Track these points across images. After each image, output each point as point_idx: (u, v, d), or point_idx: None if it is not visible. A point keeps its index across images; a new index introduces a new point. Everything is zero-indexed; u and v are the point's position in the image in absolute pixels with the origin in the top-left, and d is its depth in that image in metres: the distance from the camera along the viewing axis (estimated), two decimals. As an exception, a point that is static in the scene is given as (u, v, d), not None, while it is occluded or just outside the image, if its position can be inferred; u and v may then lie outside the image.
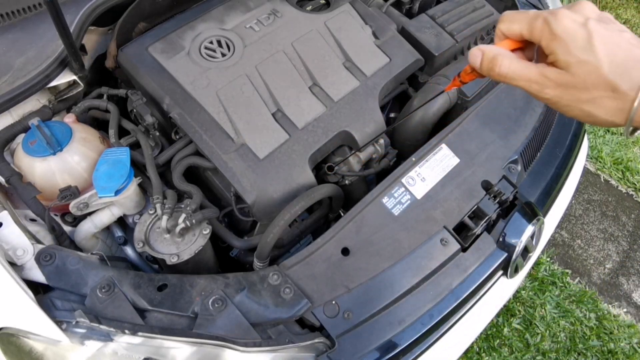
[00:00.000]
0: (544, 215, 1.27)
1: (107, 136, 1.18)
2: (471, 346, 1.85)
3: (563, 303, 2.06)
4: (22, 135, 1.10)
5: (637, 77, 0.46)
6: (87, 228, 1.09)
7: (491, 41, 1.56)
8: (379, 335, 0.98)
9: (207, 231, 1.08)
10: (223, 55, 1.25)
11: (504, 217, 1.18)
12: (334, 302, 0.98)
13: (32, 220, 1.05)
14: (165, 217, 1.05)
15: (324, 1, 1.51)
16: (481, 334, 1.22)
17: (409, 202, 1.12)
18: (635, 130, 0.49)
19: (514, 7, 1.57)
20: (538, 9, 1.60)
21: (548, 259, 2.19)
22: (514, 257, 1.15)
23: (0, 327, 0.83)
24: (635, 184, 2.52)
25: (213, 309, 0.93)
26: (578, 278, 2.18)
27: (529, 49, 0.59)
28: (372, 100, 1.28)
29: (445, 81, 1.35)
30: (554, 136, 1.37)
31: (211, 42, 1.27)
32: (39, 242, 0.98)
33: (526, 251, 1.20)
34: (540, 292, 2.08)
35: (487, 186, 1.18)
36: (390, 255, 1.05)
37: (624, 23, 3.57)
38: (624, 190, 2.52)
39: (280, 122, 1.20)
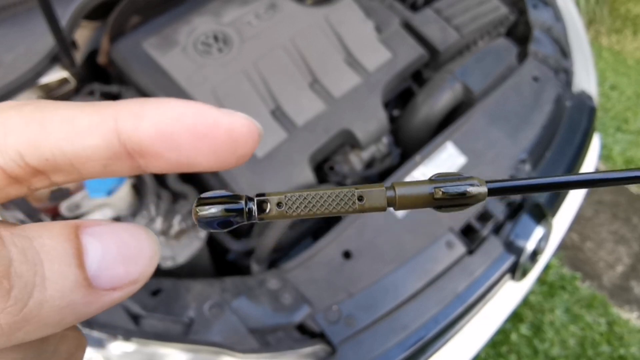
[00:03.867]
0: (553, 217, 1.24)
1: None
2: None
3: (573, 308, 2.02)
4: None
5: None
6: (79, 230, 1.06)
7: (498, 36, 1.51)
8: (382, 342, 0.96)
9: (203, 233, 1.06)
10: (220, 50, 1.22)
11: (511, 218, 1.14)
12: (335, 307, 0.97)
13: (22, 222, 1.02)
14: (159, 219, 1.03)
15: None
16: (489, 340, 1.18)
17: (413, 203, 1.09)
18: None
19: (521, 1, 1.52)
20: (544, 2, 1.56)
21: (558, 262, 2.15)
22: (521, 260, 1.12)
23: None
24: (646, 185, 2.47)
25: (209, 314, 0.91)
26: (588, 281, 2.13)
27: None
28: (375, 97, 1.25)
29: (451, 77, 1.31)
30: (564, 134, 1.34)
31: (207, 37, 1.24)
32: (27, 244, 0.95)
33: (535, 254, 1.16)
34: (549, 297, 2.03)
35: (494, 186, 1.15)
36: (393, 259, 1.03)
37: (634, 18, 3.51)
38: (635, 192, 2.46)
39: (279, 120, 1.17)
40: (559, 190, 0.23)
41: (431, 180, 0.21)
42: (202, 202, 0.20)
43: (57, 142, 0.18)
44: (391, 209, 0.22)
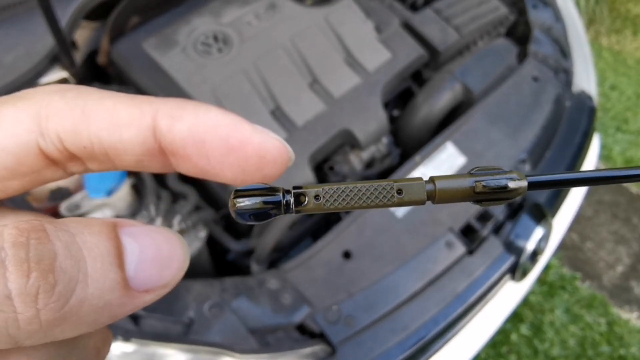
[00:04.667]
0: (553, 217, 1.23)
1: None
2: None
3: (573, 308, 2.01)
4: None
5: None
6: (79, 230, 1.06)
7: (497, 36, 1.51)
8: (381, 342, 0.96)
9: (202, 234, 1.06)
10: (220, 50, 1.22)
11: (511, 218, 1.14)
12: (335, 307, 0.96)
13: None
14: (159, 219, 1.03)
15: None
16: (489, 341, 1.18)
17: (413, 203, 1.09)
18: None
19: (521, 1, 1.52)
20: (544, 2, 1.56)
21: (558, 262, 2.14)
22: (521, 260, 1.11)
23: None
24: (646, 185, 2.47)
25: (209, 314, 0.91)
26: (588, 281, 2.12)
27: None
28: (375, 97, 1.24)
29: (451, 77, 1.31)
30: (564, 134, 1.33)
31: (207, 37, 1.24)
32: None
33: (535, 254, 1.16)
34: (549, 297, 2.03)
35: (494, 186, 1.15)
36: (393, 259, 1.02)
37: (634, 18, 3.51)
38: (635, 192, 2.46)
39: (279, 120, 1.17)
40: (598, 184, 0.22)
41: (471, 173, 0.21)
42: (240, 194, 0.20)
43: (96, 131, 0.19)
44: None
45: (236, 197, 0.20)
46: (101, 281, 0.17)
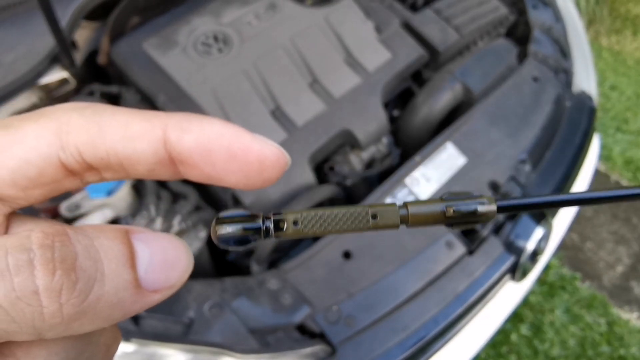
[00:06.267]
0: (553, 217, 1.24)
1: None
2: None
3: (573, 308, 2.01)
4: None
5: None
6: (79, 230, 1.06)
7: (497, 36, 1.51)
8: (381, 342, 0.96)
9: (203, 234, 1.06)
10: (220, 50, 1.22)
11: (511, 218, 1.14)
12: (335, 307, 0.96)
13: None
14: (159, 220, 1.03)
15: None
16: (489, 341, 1.18)
17: (413, 203, 1.09)
18: None
19: (521, 1, 1.52)
20: (544, 2, 1.56)
21: (558, 262, 2.14)
22: (522, 260, 1.11)
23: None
24: (646, 185, 2.47)
25: (209, 314, 0.91)
26: (588, 282, 2.12)
27: None
28: (375, 97, 1.25)
29: (451, 78, 1.31)
30: (564, 135, 1.33)
31: (207, 38, 1.24)
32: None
33: (535, 254, 1.16)
34: (549, 297, 2.03)
35: (494, 186, 1.15)
36: (393, 259, 1.02)
37: (634, 18, 3.51)
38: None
39: (279, 120, 1.17)
40: (565, 207, 0.23)
41: (442, 199, 0.22)
42: (221, 222, 0.21)
43: (112, 143, 0.21)
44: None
45: (218, 224, 0.21)
46: (116, 280, 0.19)
